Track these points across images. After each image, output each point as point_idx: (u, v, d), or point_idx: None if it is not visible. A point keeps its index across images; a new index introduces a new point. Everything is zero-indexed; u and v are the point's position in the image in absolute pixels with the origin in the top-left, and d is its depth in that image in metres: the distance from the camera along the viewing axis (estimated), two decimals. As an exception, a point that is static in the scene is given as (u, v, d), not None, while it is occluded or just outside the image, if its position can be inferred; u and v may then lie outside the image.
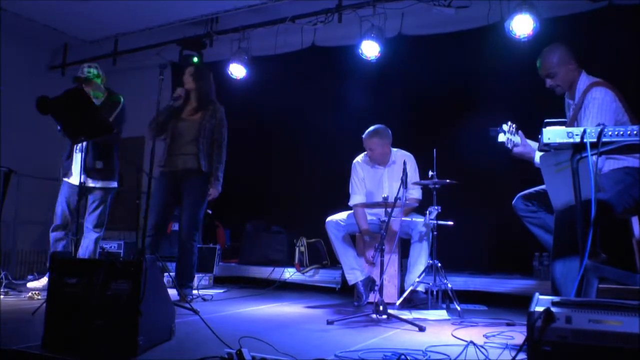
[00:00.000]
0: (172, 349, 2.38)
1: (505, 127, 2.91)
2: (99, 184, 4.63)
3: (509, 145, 2.90)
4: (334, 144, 5.68)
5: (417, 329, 3.04)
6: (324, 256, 5.27)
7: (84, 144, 4.61)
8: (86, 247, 4.58)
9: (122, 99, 4.74)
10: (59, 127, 4.65)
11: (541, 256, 4.52)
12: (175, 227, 5.82)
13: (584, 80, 3.00)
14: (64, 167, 4.77)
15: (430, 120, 5.46)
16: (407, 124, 5.31)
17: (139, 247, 4.06)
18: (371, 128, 4.42)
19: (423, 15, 5.24)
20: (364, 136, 4.42)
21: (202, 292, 4.43)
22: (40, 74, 6.92)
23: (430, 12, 5.11)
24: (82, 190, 4.62)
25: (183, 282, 4.09)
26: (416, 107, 5.49)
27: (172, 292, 3.71)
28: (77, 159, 4.66)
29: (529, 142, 3.01)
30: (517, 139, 2.90)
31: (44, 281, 4.70)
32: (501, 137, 2.90)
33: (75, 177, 4.59)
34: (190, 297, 4.07)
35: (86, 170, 4.53)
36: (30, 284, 4.66)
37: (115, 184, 4.76)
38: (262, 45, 6.02)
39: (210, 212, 5.79)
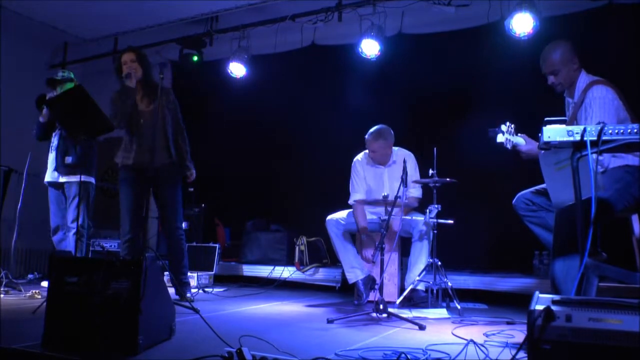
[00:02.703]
0: (172, 348, 2.38)
1: (503, 127, 2.91)
2: (69, 179, 4.72)
3: (508, 146, 2.90)
4: (334, 142, 5.68)
5: (417, 327, 3.04)
6: (324, 255, 5.27)
7: (56, 143, 4.71)
8: (70, 245, 4.62)
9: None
10: (34, 131, 4.73)
11: (541, 254, 4.53)
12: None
13: (583, 78, 2.99)
14: (47, 169, 4.84)
15: (431, 118, 5.46)
16: (407, 123, 5.30)
17: (122, 252, 4.03)
18: (374, 129, 4.38)
19: (423, 14, 5.24)
20: (367, 137, 4.40)
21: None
22: (40, 72, 6.89)
23: (430, 11, 5.11)
24: (60, 187, 4.73)
25: (181, 279, 4.04)
26: (416, 106, 5.49)
27: (173, 291, 3.72)
28: (50, 159, 4.81)
29: (523, 140, 3.01)
30: (517, 139, 2.89)
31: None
32: (500, 138, 2.89)
33: (49, 175, 4.84)
34: (191, 295, 4.05)
35: (57, 167, 4.74)
36: (44, 284, 4.70)
37: (89, 179, 4.79)
38: (262, 43, 6.01)
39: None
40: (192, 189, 5.70)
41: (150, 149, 3.82)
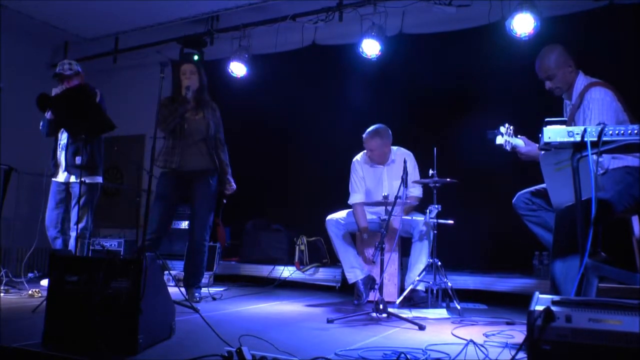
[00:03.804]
0: (172, 347, 2.38)
1: (502, 129, 2.92)
2: (78, 179, 4.67)
3: (507, 148, 2.90)
4: (334, 142, 5.68)
5: (417, 327, 3.05)
6: (324, 254, 5.26)
7: (65, 141, 4.70)
8: (71, 245, 4.61)
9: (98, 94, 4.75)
10: (41, 126, 4.73)
11: (541, 255, 4.53)
12: (176, 225, 5.83)
13: (581, 80, 3.00)
14: (51, 166, 4.82)
15: (431, 118, 5.46)
16: (407, 123, 5.31)
17: (139, 245, 4.04)
18: (371, 128, 4.41)
19: (424, 14, 5.24)
20: (364, 136, 4.42)
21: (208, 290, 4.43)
22: (41, 72, 6.91)
23: (431, 11, 5.11)
24: (67, 187, 4.73)
25: (193, 282, 4.06)
26: (416, 106, 5.49)
27: (174, 291, 3.72)
28: (60, 157, 4.77)
29: (522, 141, 3.01)
30: (517, 141, 2.90)
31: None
32: (499, 140, 2.90)
33: (60, 175, 4.78)
34: (199, 296, 4.04)
35: (67, 166, 4.70)
36: (44, 282, 4.68)
37: (97, 179, 4.78)
38: (262, 43, 6.02)
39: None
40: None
41: (190, 154, 4.05)
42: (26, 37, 6.78)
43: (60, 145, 4.80)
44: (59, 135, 4.82)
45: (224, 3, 5.98)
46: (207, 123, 4.13)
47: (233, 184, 4.34)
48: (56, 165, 4.80)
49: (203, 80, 4.25)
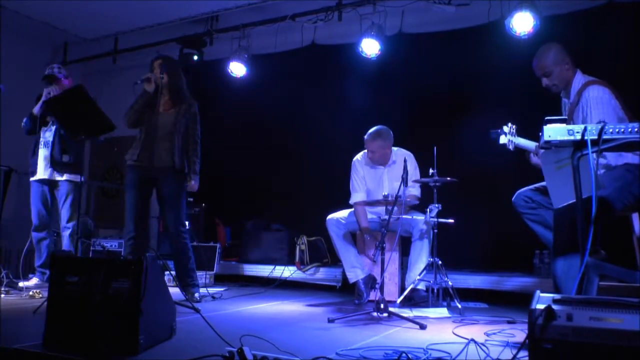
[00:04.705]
0: (172, 348, 2.38)
1: (505, 128, 2.92)
2: (65, 177, 4.72)
3: (510, 147, 2.91)
4: (334, 141, 5.68)
5: (418, 326, 3.04)
6: (325, 254, 5.26)
7: (52, 139, 4.70)
8: (65, 245, 4.62)
9: None
10: (23, 123, 4.73)
11: (542, 254, 4.53)
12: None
13: (579, 79, 3.00)
14: (31, 165, 4.81)
15: (431, 118, 5.46)
16: (407, 122, 5.31)
17: (126, 250, 4.02)
18: (373, 130, 4.40)
19: (423, 13, 5.24)
20: (365, 137, 4.41)
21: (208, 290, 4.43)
22: (41, 72, 6.88)
23: (430, 10, 5.11)
24: (51, 185, 4.73)
25: (187, 282, 4.03)
26: (416, 105, 5.49)
27: (175, 291, 3.72)
28: (41, 155, 4.76)
29: (525, 140, 3.02)
30: (520, 140, 2.90)
31: (34, 280, 4.74)
32: (502, 139, 2.91)
33: (40, 173, 4.77)
34: (199, 295, 4.02)
35: (53, 164, 4.70)
36: (21, 284, 4.67)
37: (82, 178, 4.78)
38: (262, 43, 6.02)
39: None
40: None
41: (152, 149, 3.93)
42: (26, 37, 6.78)
43: (42, 143, 4.80)
44: (41, 133, 4.82)
45: (224, 3, 5.99)
46: (175, 117, 4.05)
47: (193, 182, 4.10)
48: (36, 164, 4.80)
49: (175, 75, 4.15)
